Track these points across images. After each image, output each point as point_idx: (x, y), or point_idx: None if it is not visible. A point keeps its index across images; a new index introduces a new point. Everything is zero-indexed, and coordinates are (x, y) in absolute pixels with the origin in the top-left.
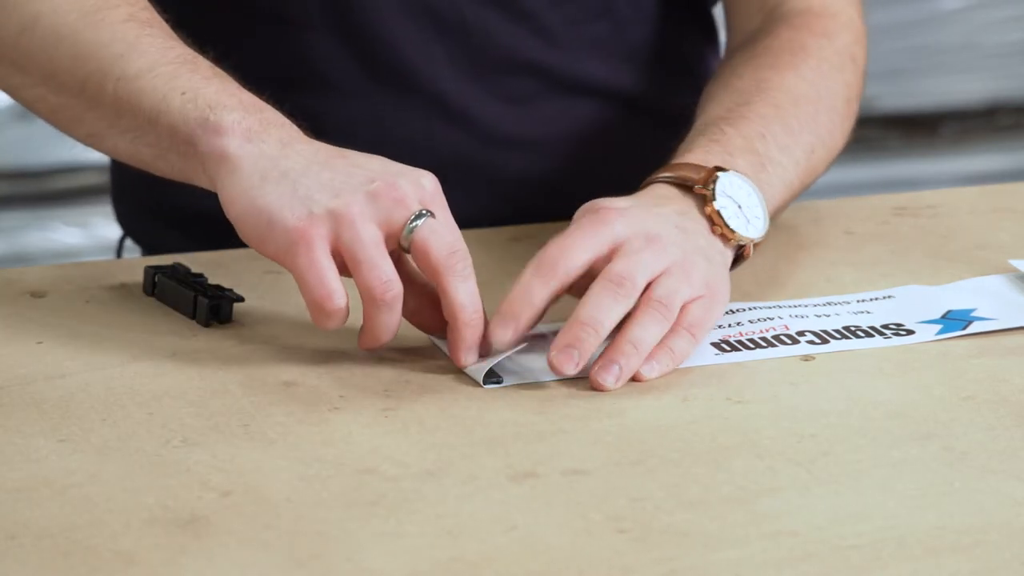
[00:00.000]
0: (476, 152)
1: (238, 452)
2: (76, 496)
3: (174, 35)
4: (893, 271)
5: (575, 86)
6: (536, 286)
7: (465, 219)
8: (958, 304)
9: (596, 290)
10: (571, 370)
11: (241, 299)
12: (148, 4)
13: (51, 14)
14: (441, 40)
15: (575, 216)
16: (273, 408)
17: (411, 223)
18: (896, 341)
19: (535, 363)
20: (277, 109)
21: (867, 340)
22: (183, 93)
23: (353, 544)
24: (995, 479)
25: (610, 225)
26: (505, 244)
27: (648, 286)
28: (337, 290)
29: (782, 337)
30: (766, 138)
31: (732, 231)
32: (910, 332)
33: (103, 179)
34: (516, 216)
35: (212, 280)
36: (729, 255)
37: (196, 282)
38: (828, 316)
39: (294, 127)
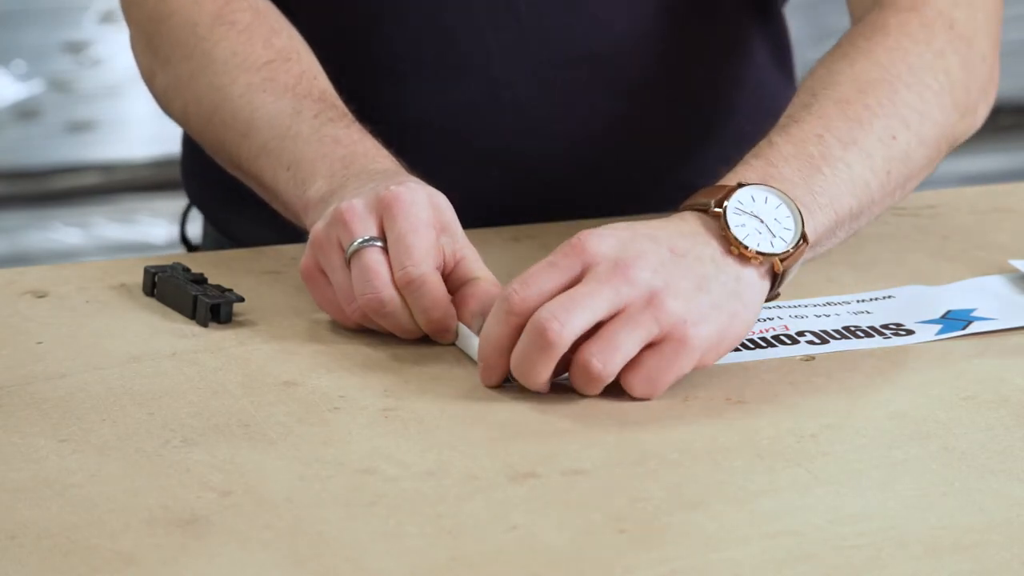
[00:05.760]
0: (524, 143)
1: (238, 452)
2: (76, 496)
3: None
4: (893, 271)
5: (631, 81)
6: (503, 335)
7: (506, 210)
8: (958, 304)
9: (523, 339)
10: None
11: (241, 299)
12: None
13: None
14: (494, 30)
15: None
16: (273, 408)
17: (349, 248)
18: (896, 341)
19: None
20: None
21: (867, 340)
22: (287, 168)
23: (353, 544)
24: (995, 479)
25: (581, 250)
26: (505, 244)
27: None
28: (340, 309)
29: (782, 337)
30: (824, 138)
31: (748, 249)
32: (910, 332)
33: (103, 179)
34: (563, 210)
35: (212, 280)
36: (753, 276)
37: (196, 282)
38: (828, 316)
39: (368, 173)
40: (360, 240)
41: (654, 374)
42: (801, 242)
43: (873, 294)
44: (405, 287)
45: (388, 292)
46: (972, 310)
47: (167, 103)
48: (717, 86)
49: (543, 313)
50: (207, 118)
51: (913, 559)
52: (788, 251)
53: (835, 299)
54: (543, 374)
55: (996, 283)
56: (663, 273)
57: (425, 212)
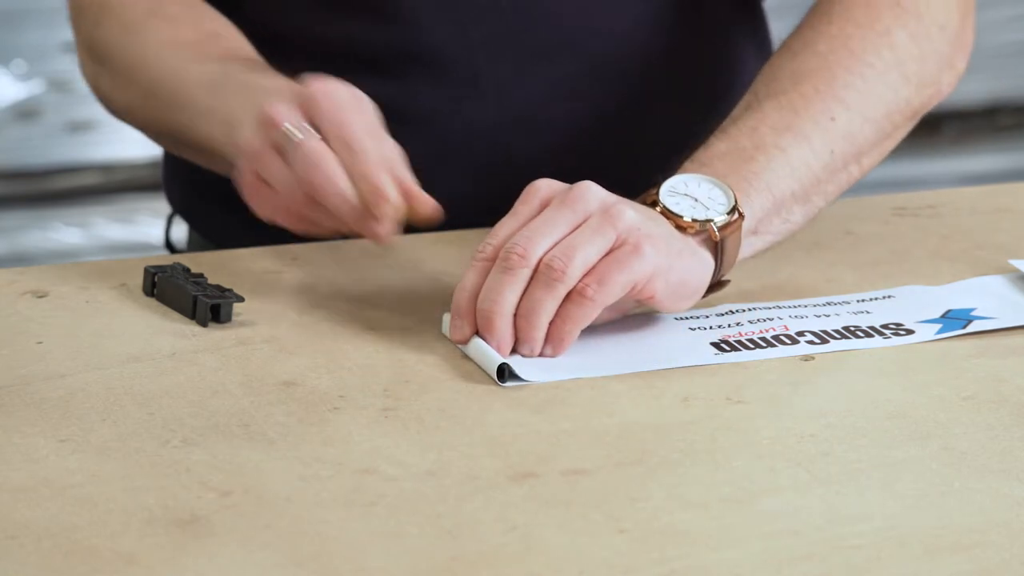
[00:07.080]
0: (509, 138)
1: (238, 452)
2: (76, 496)
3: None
4: (893, 271)
5: (615, 75)
6: (476, 282)
7: (494, 206)
8: (958, 304)
9: (490, 273)
10: (510, 354)
11: (241, 299)
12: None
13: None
14: (476, 22)
15: None
16: (273, 408)
17: (286, 139)
18: (896, 341)
19: (560, 360)
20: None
21: (867, 340)
22: (223, 123)
23: (353, 544)
24: (995, 479)
25: (535, 192)
26: None
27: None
28: (287, 209)
29: (782, 337)
30: (758, 129)
31: (686, 220)
32: (910, 332)
33: (103, 179)
34: None
35: (212, 280)
36: (695, 244)
37: (196, 282)
38: (828, 316)
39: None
40: (291, 128)
41: (604, 271)
42: (736, 215)
43: (873, 294)
44: (342, 150)
45: (329, 161)
46: (972, 310)
47: (112, 103)
48: (703, 79)
49: (508, 245)
50: (144, 104)
51: (913, 559)
52: (723, 221)
53: (835, 299)
54: (510, 299)
55: (996, 283)
56: (616, 197)
57: (345, 93)
